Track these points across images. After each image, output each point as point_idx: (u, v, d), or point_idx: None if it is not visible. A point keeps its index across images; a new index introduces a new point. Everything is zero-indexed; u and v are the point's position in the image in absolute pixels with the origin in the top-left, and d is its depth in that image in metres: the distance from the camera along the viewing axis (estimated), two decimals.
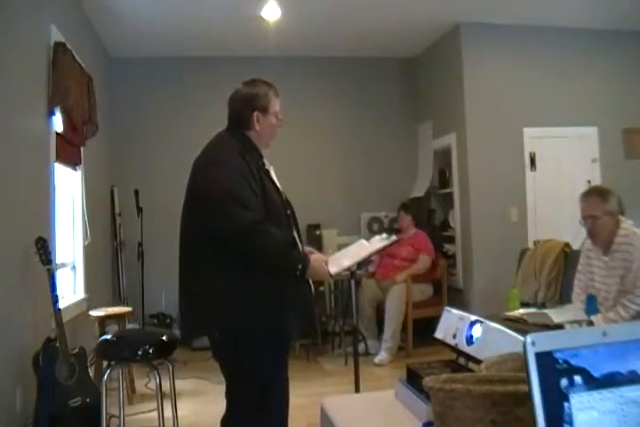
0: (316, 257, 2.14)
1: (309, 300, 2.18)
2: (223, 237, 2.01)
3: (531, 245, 4.87)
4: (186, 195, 2.15)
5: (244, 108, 2.17)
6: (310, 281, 2.18)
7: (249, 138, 2.18)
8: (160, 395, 2.72)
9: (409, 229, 5.27)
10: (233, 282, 2.02)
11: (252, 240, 1.98)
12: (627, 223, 2.94)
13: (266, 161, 2.21)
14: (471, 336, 1.40)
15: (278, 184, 2.19)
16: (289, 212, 2.17)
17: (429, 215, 6.03)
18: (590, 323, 2.90)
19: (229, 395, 2.12)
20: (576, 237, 4.50)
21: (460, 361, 1.45)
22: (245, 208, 1.97)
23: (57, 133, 3.70)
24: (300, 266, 2.03)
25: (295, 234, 2.19)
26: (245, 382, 2.08)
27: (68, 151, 3.99)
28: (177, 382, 3.09)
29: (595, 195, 2.96)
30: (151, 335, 2.91)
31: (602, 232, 2.93)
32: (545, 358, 0.66)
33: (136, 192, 5.38)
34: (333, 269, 2.19)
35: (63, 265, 3.92)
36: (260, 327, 2.01)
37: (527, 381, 0.66)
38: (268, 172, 2.16)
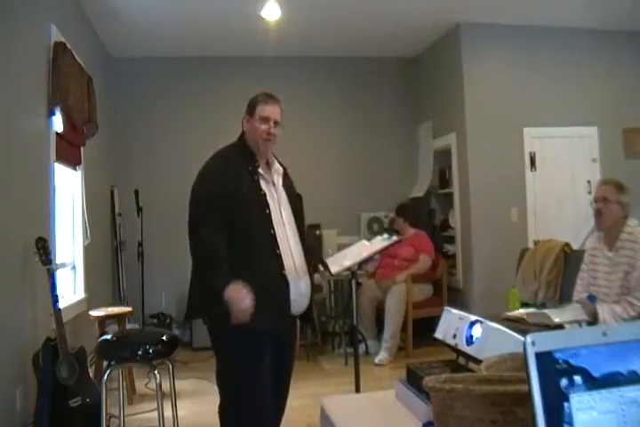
0: (233, 291, 2.03)
1: (281, 296, 2.18)
2: None
3: (531, 245, 4.87)
4: None
5: None
6: (290, 280, 2.18)
7: (245, 142, 2.31)
8: (160, 395, 2.72)
9: (405, 231, 5.24)
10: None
11: (191, 239, 2.18)
12: (633, 222, 3.02)
13: (277, 165, 2.32)
14: (471, 336, 1.40)
15: (264, 187, 2.23)
16: (267, 211, 2.21)
17: (429, 215, 6.03)
18: (590, 323, 2.91)
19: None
20: (576, 237, 4.52)
21: (460, 361, 1.45)
22: (198, 209, 2.17)
23: (57, 133, 3.69)
24: (216, 285, 2.07)
25: (289, 233, 2.25)
26: (223, 367, 2.20)
27: (68, 151, 3.99)
28: (177, 382, 3.09)
29: (613, 183, 3.09)
30: (151, 335, 2.90)
31: (608, 218, 3.00)
32: (545, 358, 0.66)
33: (136, 192, 5.37)
34: (335, 269, 2.19)
35: (63, 265, 3.92)
36: (223, 320, 2.08)
37: (527, 381, 0.66)
38: (258, 173, 2.23)
